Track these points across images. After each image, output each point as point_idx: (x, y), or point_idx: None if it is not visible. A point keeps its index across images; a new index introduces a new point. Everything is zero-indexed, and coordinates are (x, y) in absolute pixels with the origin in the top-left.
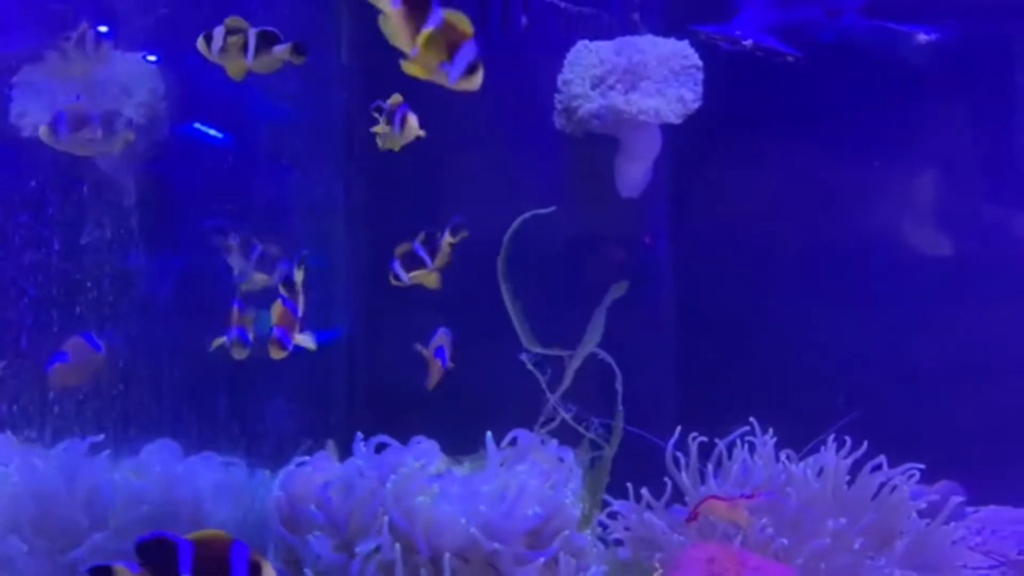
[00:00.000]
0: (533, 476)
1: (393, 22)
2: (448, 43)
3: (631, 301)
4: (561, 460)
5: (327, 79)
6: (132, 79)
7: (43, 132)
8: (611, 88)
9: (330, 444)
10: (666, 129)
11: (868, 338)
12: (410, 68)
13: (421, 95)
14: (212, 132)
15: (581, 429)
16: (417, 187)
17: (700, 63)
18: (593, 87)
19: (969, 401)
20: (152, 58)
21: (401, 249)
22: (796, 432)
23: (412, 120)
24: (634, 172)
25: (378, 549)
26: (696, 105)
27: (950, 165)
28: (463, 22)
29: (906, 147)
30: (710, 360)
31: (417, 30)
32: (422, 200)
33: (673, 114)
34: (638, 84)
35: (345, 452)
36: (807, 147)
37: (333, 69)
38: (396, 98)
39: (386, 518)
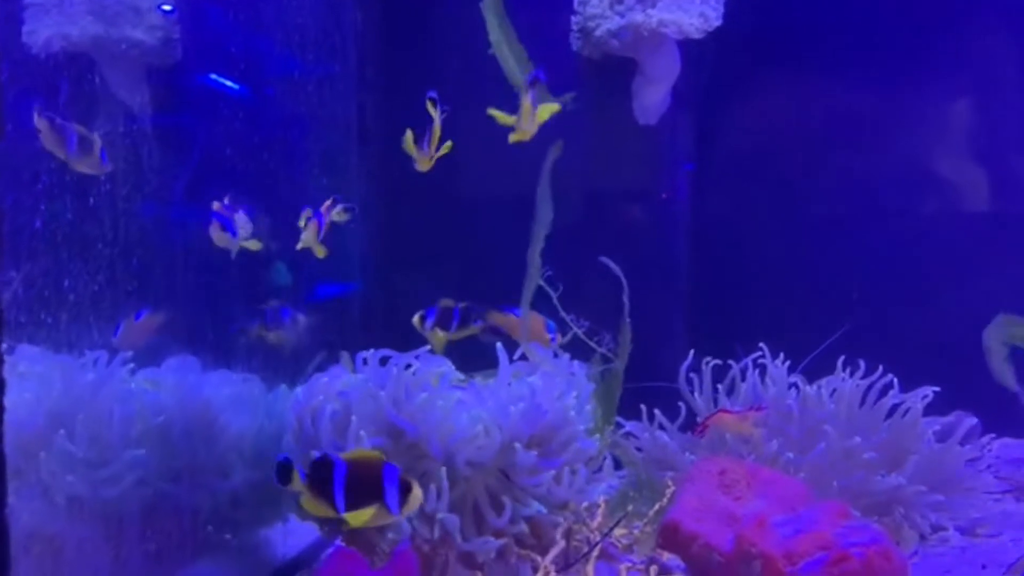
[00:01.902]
0: (545, 386)
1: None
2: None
3: (646, 231)
4: (572, 374)
5: (343, 35)
6: None
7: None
8: (630, 9)
9: (345, 355)
10: (684, 54)
11: (888, 271)
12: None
13: (441, 32)
14: (228, 83)
15: (592, 344)
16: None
17: None
18: (611, 6)
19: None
20: (168, 7)
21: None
22: (810, 363)
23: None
24: (652, 96)
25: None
26: (718, 23)
27: (990, 93)
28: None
29: (939, 74)
30: (724, 288)
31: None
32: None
33: (694, 28)
34: (656, 2)
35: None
36: (829, 71)
37: (348, 25)
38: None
39: (359, 431)
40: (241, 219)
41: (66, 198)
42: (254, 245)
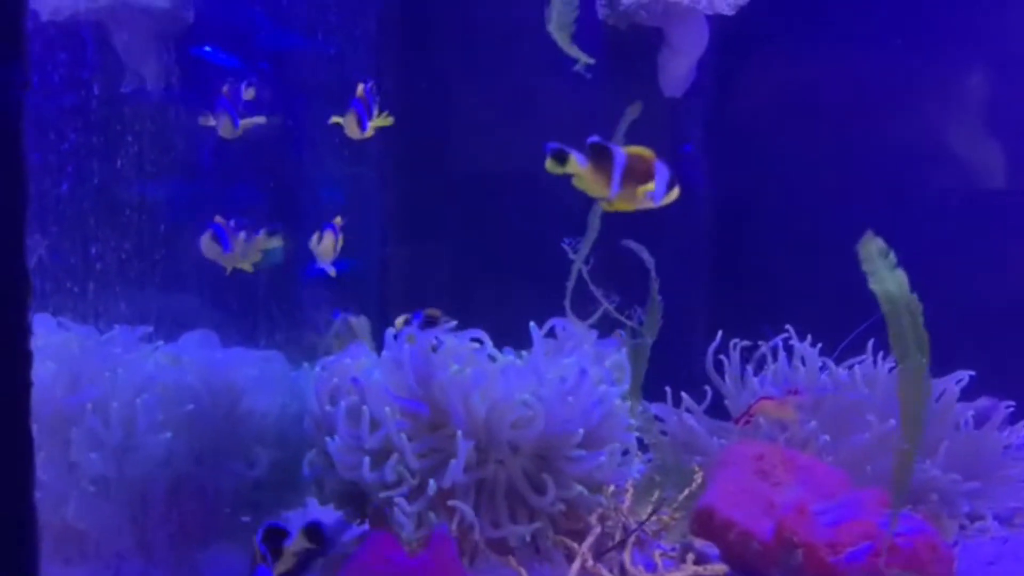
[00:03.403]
0: (586, 366)
1: (588, 178)
2: (641, 172)
3: (668, 209)
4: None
5: (362, 4)
6: None
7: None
8: None
9: (363, 322)
10: (712, 26)
11: (911, 245)
12: (617, 206)
13: (461, 10)
14: (229, 56)
15: (623, 319)
16: (448, 94)
17: None
18: None
19: (1010, 316)
20: None
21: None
22: (837, 340)
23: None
24: (678, 68)
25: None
26: None
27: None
28: (643, 151)
29: (971, 50)
30: (747, 269)
31: (609, 174)
32: (453, 109)
33: (726, 4)
34: None
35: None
36: (864, 46)
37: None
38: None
39: (365, 409)
40: (240, 239)
41: (93, 161)
42: (247, 266)
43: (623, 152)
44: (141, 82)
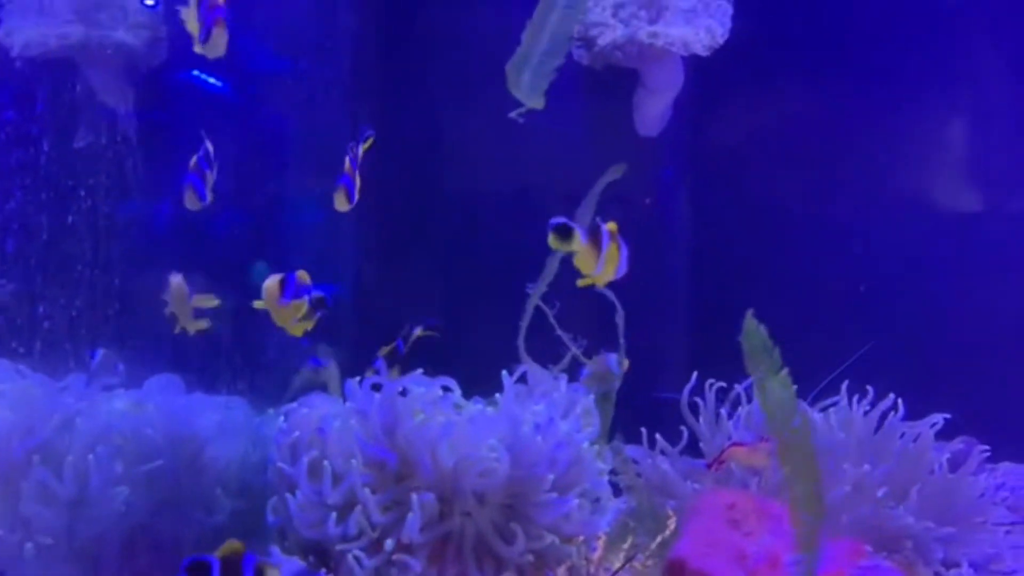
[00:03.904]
0: (554, 414)
1: (587, 256)
2: (616, 246)
3: (644, 246)
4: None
5: (337, 39)
6: None
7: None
8: (634, 17)
9: (333, 366)
10: (687, 66)
11: (888, 281)
12: (600, 279)
13: (439, 37)
14: (211, 80)
15: (589, 364)
16: (425, 129)
17: None
18: (613, 13)
19: (990, 354)
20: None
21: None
22: (814, 380)
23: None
24: (654, 108)
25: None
26: (724, 38)
27: (991, 102)
28: (613, 226)
29: (935, 89)
30: (725, 306)
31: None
32: (429, 142)
33: (701, 45)
34: (663, 12)
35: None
36: (835, 87)
37: (342, 29)
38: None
39: (327, 464)
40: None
41: (42, 217)
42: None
43: (607, 229)
44: (96, 136)
